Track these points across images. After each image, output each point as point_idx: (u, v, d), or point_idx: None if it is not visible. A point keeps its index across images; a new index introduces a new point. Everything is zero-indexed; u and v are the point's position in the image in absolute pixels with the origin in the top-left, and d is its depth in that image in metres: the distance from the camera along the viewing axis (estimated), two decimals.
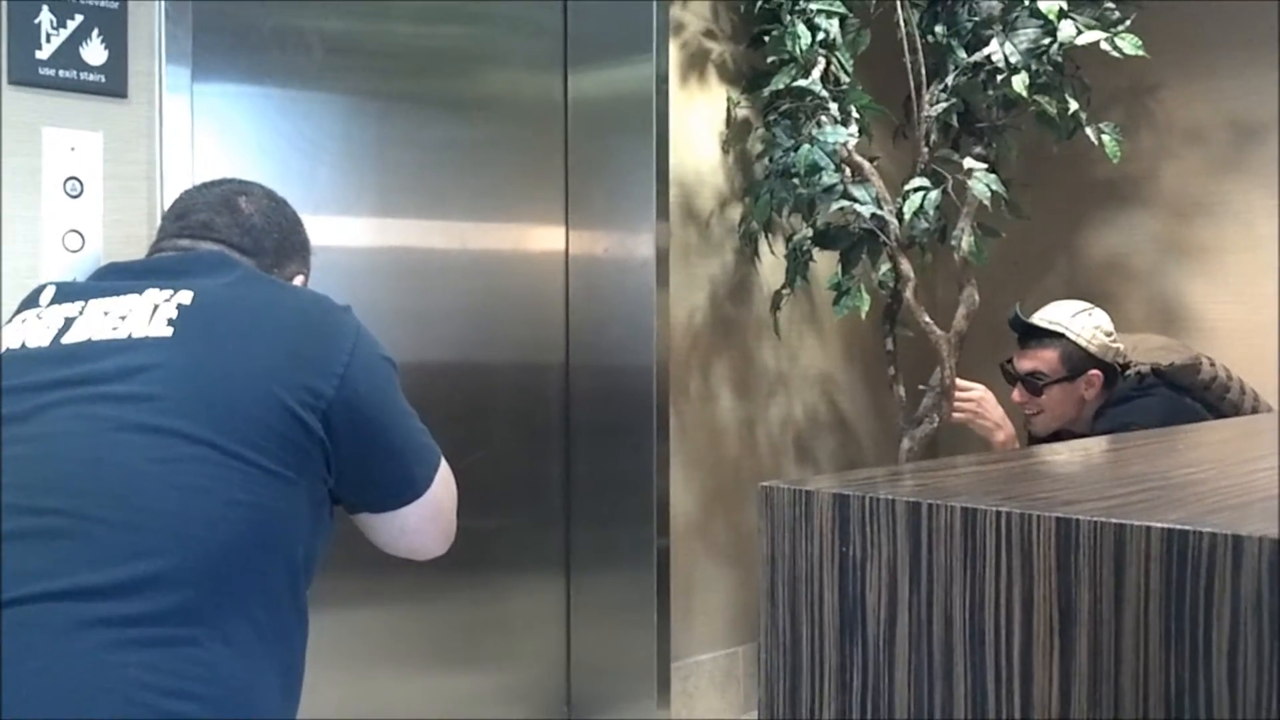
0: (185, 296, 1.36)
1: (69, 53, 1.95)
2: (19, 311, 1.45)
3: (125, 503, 1.23)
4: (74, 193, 1.95)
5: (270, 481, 1.29)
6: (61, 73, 1.94)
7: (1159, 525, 0.60)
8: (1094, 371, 2.71)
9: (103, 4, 1.98)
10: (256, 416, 1.30)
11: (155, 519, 1.23)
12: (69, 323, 1.37)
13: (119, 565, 1.20)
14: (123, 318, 1.35)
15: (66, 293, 1.43)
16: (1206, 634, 0.58)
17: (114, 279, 1.45)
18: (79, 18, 1.95)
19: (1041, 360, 2.73)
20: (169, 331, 1.33)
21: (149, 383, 1.29)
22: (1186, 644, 0.59)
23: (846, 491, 0.71)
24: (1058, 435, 2.79)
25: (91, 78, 1.97)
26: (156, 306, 1.35)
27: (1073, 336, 2.70)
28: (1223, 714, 0.58)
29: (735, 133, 3.15)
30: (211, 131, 2.34)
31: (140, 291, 1.38)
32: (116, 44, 2.00)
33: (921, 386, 2.98)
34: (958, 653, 0.66)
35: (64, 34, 1.94)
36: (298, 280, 1.62)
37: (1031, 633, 0.64)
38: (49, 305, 1.41)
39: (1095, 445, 1.10)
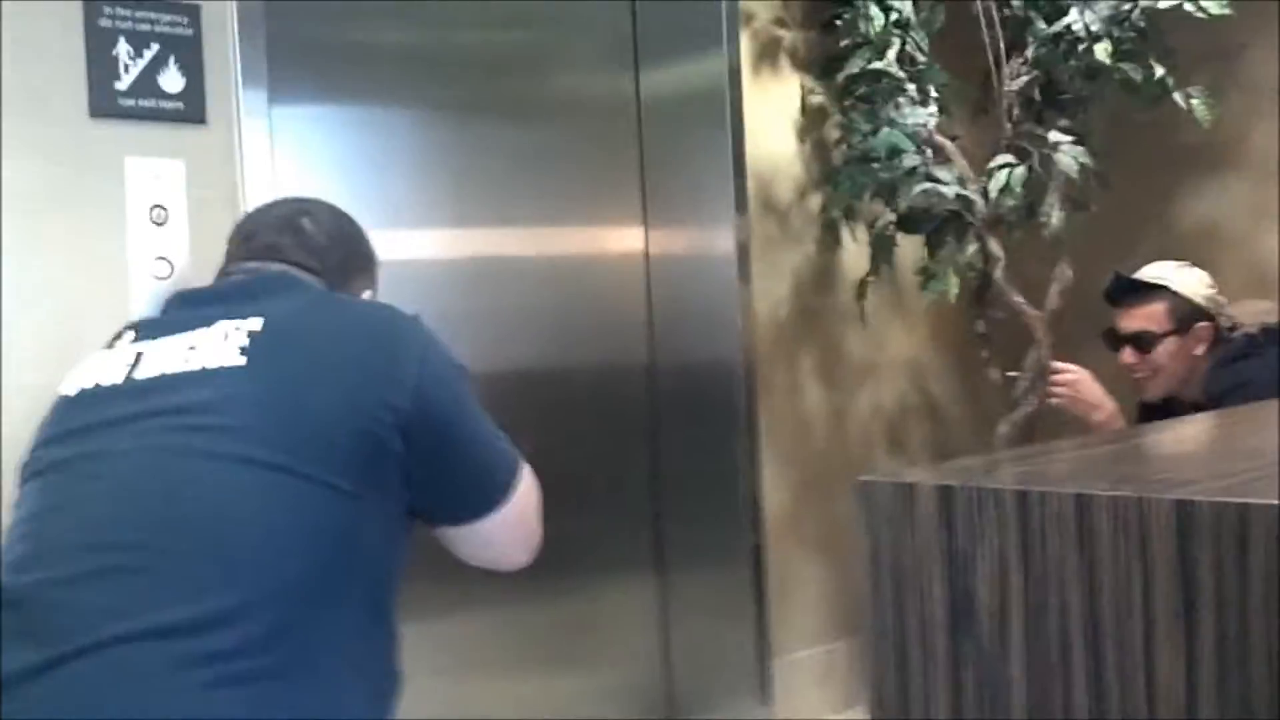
0: (255, 323, 1.36)
1: (147, 82, 1.97)
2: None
3: (203, 535, 1.23)
4: (159, 221, 1.98)
5: (350, 504, 1.29)
6: (141, 102, 1.97)
7: None
8: (1203, 324, 2.64)
9: (178, 31, 2.01)
10: (332, 439, 1.29)
11: (235, 550, 1.23)
12: (139, 358, 1.37)
13: (201, 600, 1.19)
14: (192, 348, 1.35)
15: (142, 330, 1.44)
16: None
17: (183, 309, 1.46)
18: (155, 46, 1.98)
19: (1149, 317, 2.66)
20: (242, 360, 1.33)
21: (224, 413, 1.29)
22: None
23: (951, 483, 0.69)
24: (1168, 404, 2.71)
25: (170, 105, 2.00)
26: (227, 335, 1.35)
27: (1177, 288, 2.64)
28: None
29: (811, 120, 3.12)
30: (290, 152, 2.37)
31: (210, 321, 1.38)
32: (193, 70, 2.02)
33: (1013, 374, 2.92)
34: (1075, 645, 0.64)
35: (141, 63, 1.96)
36: (365, 295, 1.62)
37: (1152, 621, 0.61)
38: (123, 343, 1.43)
39: (1201, 420, 1.06)
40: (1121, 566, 0.63)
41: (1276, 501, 0.58)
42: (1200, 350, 2.65)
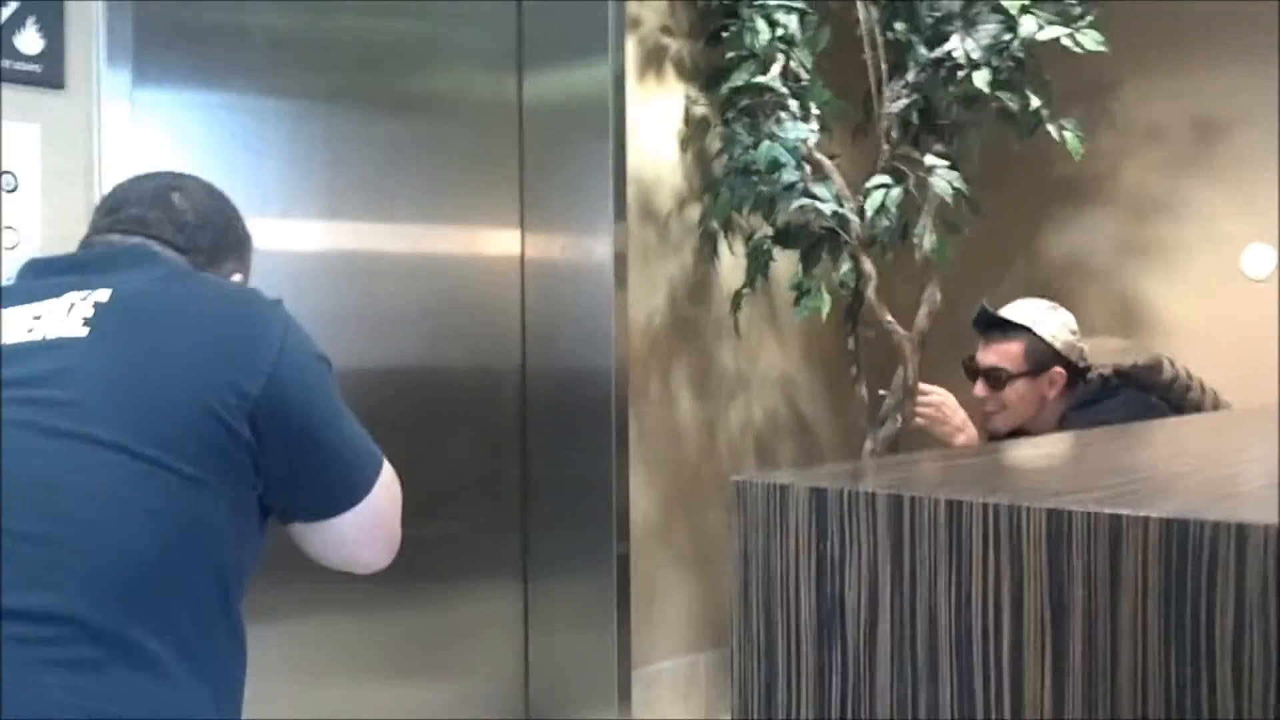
0: (103, 295, 1.30)
1: (3, 41, 1.88)
2: None
3: (40, 514, 1.17)
4: (9, 187, 1.88)
5: (193, 489, 1.23)
6: None
7: (1157, 515, 0.57)
8: (1058, 369, 2.69)
9: None
10: (177, 420, 1.23)
11: (72, 531, 1.17)
12: None
13: (37, 585, 1.14)
14: (37, 318, 1.29)
15: None
16: (1209, 629, 0.56)
17: (34, 277, 1.40)
18: (13, 4, 1.88)
19: (1006, 354, 2.71)
20: (84, 332, 1.27)
21: (63, 386, 1.23)
22: (1188, 640, 0.56)
23: (824, 485, 0.67)
24: (1015, 436, 2.77)
25: (27, 67, 1.90)
26: (73, 306, 1.29)
27: (1039, 331, 2.69)
28: (1227, 714, 0.55)
29: (694, 130, 3.12)
30: (153, 125, 2.28)
31: (59, 292, 1.32)
32: (53, 33, 1.93)
33: (882, 392, 2.96)
34: (943, 653, 0.63)
35: None
36: (235, 279, 1.55)
37: (1022, 631, 0.60)
38: None
39: (1074, 439, 1.07)
40: (992, 575, 0.62)
41: (1148, 514, 0.57)
42: (1052, 393, 2.71)
